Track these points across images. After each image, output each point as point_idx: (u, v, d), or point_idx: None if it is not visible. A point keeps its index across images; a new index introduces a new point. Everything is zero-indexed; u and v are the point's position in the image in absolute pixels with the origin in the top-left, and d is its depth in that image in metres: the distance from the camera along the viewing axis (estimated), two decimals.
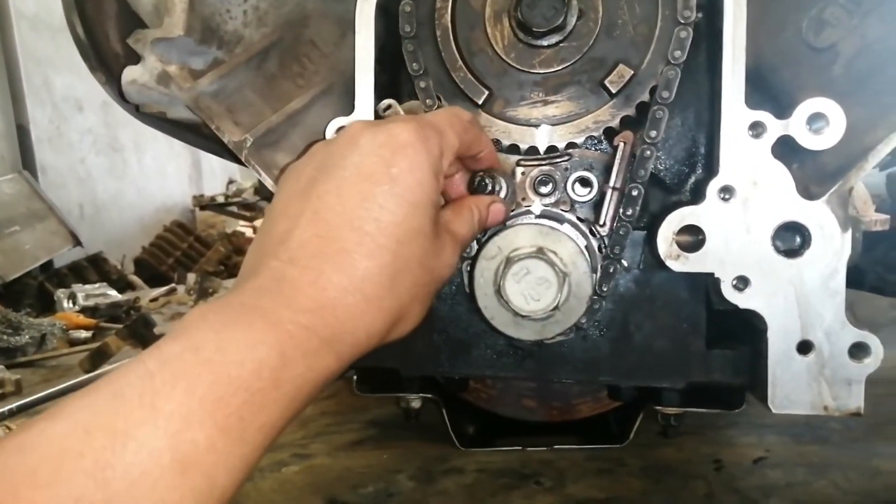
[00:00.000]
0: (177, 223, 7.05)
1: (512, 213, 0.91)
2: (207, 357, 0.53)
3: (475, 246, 0.90)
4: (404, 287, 0.67)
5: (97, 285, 3.61)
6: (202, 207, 7.14)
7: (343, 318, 0.62)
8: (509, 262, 0.80)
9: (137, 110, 1.07)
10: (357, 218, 0.65)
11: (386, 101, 0.91)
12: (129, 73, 0.98)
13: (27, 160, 5.94)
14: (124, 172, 7.27)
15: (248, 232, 6.94)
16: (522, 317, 0.81)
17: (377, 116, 0.90)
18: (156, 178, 7.73)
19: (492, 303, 0.83)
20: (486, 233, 0.91)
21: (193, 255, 6.58)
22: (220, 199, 7.37)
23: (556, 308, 0.79)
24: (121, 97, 1.12)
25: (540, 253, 0.79)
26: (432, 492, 1.12)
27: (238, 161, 1.03)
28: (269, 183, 0.96)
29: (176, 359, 0.52)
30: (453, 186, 0.83)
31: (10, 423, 1.66)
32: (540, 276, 0.78)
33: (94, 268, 5.74)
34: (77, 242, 5.76)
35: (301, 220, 0.66)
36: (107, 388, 0.51)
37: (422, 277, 0.69)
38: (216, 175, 8.82)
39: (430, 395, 1.05)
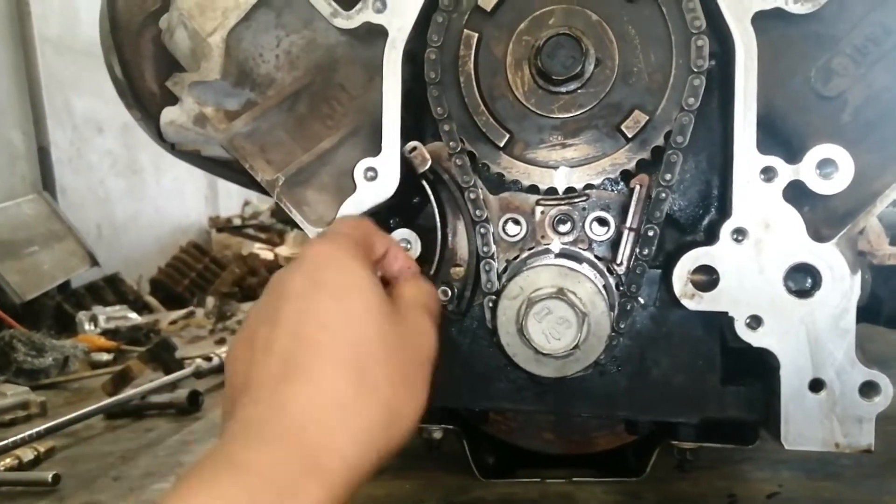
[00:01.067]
0: (193, 244, 7.13)
1: (532, 252, 0.95)
2: None
3: (496, 282, 0.94)
4: (380, 382, 0.63)
5: (117, 307, 3.66)
6: (219, 230, 7.22)
7: (319, 436, 0.57)
8: (531, 302, 0.83)
9: (173, 148, 1.11)
10: (304, 336, 0.63)
11: (411, 144, 0.95)
12: (168, 115, 1.03)
13: (47, 181, 6.03)
14: (143, 193, 7.37)
15: (263, 254, 7.00)
16: (544, 354, 0.84)
17: (403, 158, 0.94)
18: (174, 199, 7.83)
19: (514, 340, 0.87)
20: (506, 269, 0.95)
21: (209, 276, 6.63)
22: (237, 222, 7.44)
23: (576, 347, 0.82)
24: (156, 134, 1.17)
25: (560, 293, 0.82)
26: None
27: (268, 194, 1.07)
28: (299, 220, 0.99)
29: None
30: (388, 265, 0.82)
31: (38, 445, 1.70)
32: (560, 316, 0.82)
33: (111, 288, 5.80)
34: (94, 263, 5.83)
35: (253, 367, 0.64)
36: None
37: (398, 364, 0.66)
38: (232, 197, 8.92)
39: (451, 426, 1.08)
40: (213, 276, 6.64)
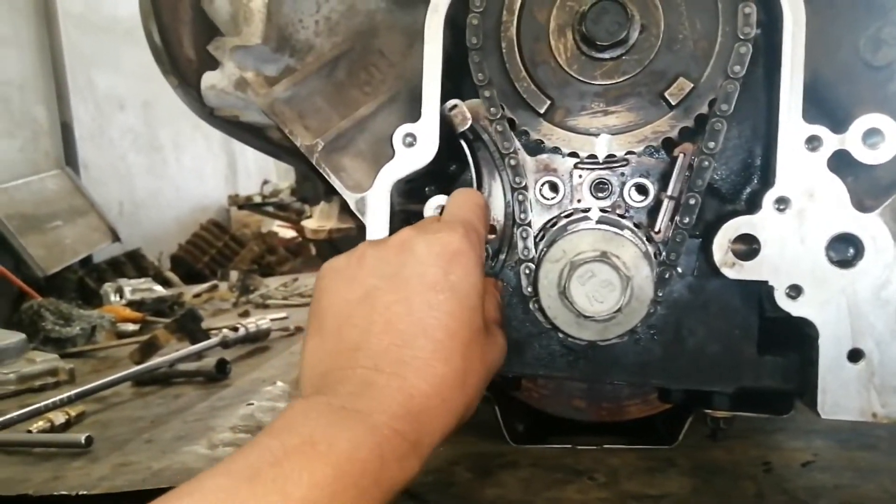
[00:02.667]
0: (213, 222, 7.18)
1: (569, 218, 0.95)
2: (324, 451, 0.58)
3: (532, 248, 0.94)
4: (471, 385, 0.73)
5: (142, 280, 3.71)
6: (240, 207, 7.27)
7: (426, 423, 0.67)
8: (574, 265, 0.83)
9: (212, 114, 1.12)
10: (428, 326, 0.70)
11: (452, 102, 0.96)
12: (209, 79, 1.04)
13: (70, 157, 6.09)
14: (163, 171, 7.43)
15: (282, 232, 7.04)
16: (585, 318, 0.84)
17: (443, 117, 0.94)
18: (193, 177, 7.89)
19: (555, 303, 0.87)
20: (542, 235, 0.95)
21: (228, 254, 6.69)
22: (257, 199, 7.49)
23: (618, 310, 0.82)
24: (193, 100, 1.18)
25: (604, 257, 0.83)
26: (489, 483, 1.16)
27: (304, 165, 1.08)
28: (337, 185, 1.00)
29: (297, 450, 0.58)
30: None
31: (69, 409, 1.73)
32: (604, 279, 0.82)
33: (132, 263, 5.88)
34: (116, 238, 5.91)
35: (374, 329, 0.71)
36: (239, 472, 0.56)
37: (483, 372, 0.75)
38: (251, 176, 8.96)
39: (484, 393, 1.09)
40: (233, 254, 6.70)
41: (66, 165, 5.96)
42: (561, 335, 0.93)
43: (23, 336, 2.38)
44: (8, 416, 1.69)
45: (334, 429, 0.60)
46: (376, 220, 0.94)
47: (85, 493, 1.27)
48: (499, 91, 0.95)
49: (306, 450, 0.58)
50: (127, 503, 1.24)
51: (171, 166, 7.55)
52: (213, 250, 6.67)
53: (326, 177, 1.01)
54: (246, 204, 7.31)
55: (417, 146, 0.93)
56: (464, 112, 0.95)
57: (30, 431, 1.63)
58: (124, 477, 1.33)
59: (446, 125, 0.94)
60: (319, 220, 2.00)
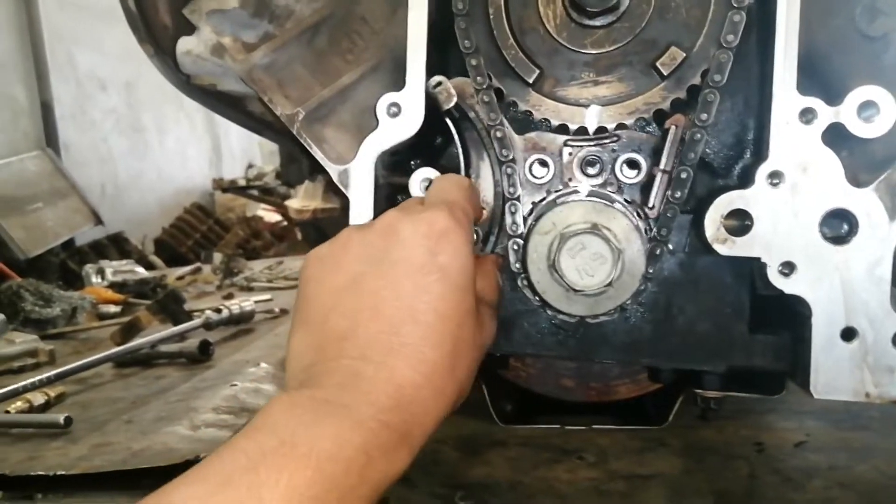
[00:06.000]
0: (196, 205, 7.11)
1: (560, 193, 0.92)
2: (304, 453, 0.55)
3: (521, 224, 0.91)
4: (462, 369, 0.70)
5: (124, 262, 3.65)
6: (224, 190, 7.20)
7: (416, 412, 0.65)
8: (563, 237, 0.81)
9: (188, 81, 1.08)
10: (417, 311, 0.67)
11: (436, 78, 0.92)
12: (185, 44, 1.00)
13: (50, 138, 6.00)
14: (146, 153, 7.33)
15: (267, 216, 6.98)
16: (576, 292, 0.82)
17: (427, 93, 0.90)
18: (177, 160, 7.80)
19: (544, 278, 0.84)
20: (532, 211, 0.92)
21: (212, 238, 6.63)
22: (242, 183, 7.41)
23: (609, 284, 0.80)
24: (168, 68, 1.14)
25: (595, 228, 0.80)
26: (477, 462, 1.15)
27: (286, 140, 1.05)
28: (319, 157, 0.97)
29: (274, 452, 0.55)
30: None
31: (48, 390, 1.69)
32: (595, 252, 0.79)
33: (115, 247, 5.81)
34: (98, 221, 5.84)
35: (361, 317, 0.68)
36: (213, 477, 0.54)
37: (474, 354, 0.73)
38: (236, 159, 8.87)
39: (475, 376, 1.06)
40: (217, 238, 6.64)
41: (46, 146, 5.87)
42: (550, 312, 0.91)
43: (2, 317, 2.34)
44: None
45: (317, 427, 0.58)
46: (360, 194, 0.91)
47: (63, 473, 1.24)
48: (486, 59, 0.92)
49: (285, 451, 0.55)
50: (105, 484, 1.22)
51: (154, 149, 7.46)
52: (197, 234, 6.60)
53: (308, 148, 0.97)
54: (230, 187, 7.24)
55: (402, 116, 0.90)
56: (448, 89, 0.92)
57: (7, 412, 1.59)
58: (103, 457, 1.31)
59: (431, 102, 0.91)
60: (303, 200, 1.96)
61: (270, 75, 0.99)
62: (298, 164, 2.41)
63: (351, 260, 0.73)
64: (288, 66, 1.00)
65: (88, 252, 5.45)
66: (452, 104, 0.92)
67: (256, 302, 2.54)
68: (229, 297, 2.92)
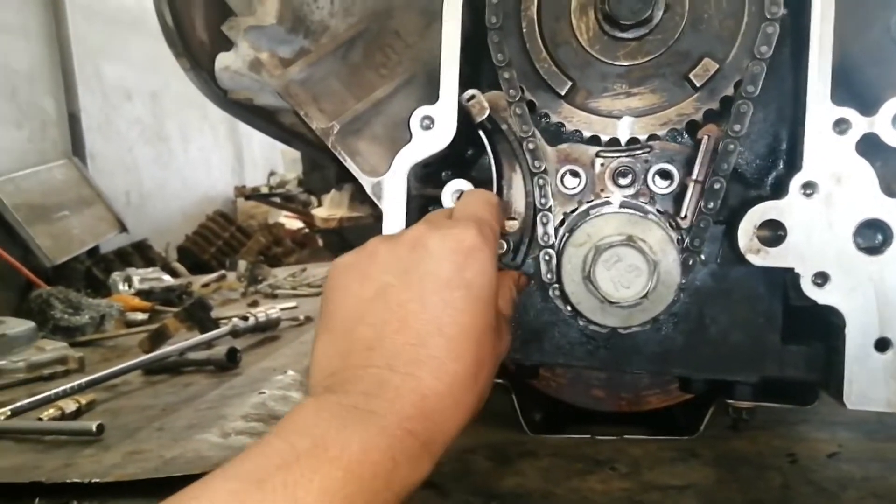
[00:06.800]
0: (219, 213, 7.18)
1: (592, 204, 0.93)
2: (335, 455, 0.57)
3: (552, 235, 0.92)
4: (482, 379, 0.72)
5: (150, 269, 3.70)
6: (247, 198, 7.27)
7: (439, 422, 0.66)
8: (599, 249, 0.81)
9: (225, 96, 1.10)
10: (443, 324, 0.69)
11: (469, 92, 0.93)
12: (223, 60, 1.02)
13: (77, 147, 6.10)
14: (170, 162, 7.43)
15: (289, 223, 7.03)
16: (611, 304, 0.83)
17: (460, 106, 0.92)
18: (200, 168, 7.89)
19: (579, 289, 0.85)
20: (563, 222, 0.93)
21: (234, 245, 6.70)
22: (264, 190, 7.48)
23: (644, 296, 0.81)
24: (205, 83, 1.16)
25: (630, 241, 0.81)
26: (509, 472, 1.15)
27: (316, 151, 1.06)
28: (353, 169, 0.98)
29: (308, 454, 0.57)
30: None
31: (79, 397, 1.72)
32: (630, 264, 0.80)
33: (139, 254, 5.89)
34: (123, 229, 5.92)
35: (387, 328, 0.69)
36: (248, 474, 0.55)
37: (492, 367, 0.75)
38: (258, 167, 8.96)
39: (500, 381, 1.07)
40: (239, 245, 6.70)
41: (73, 156, 5.97)
42: (582, 322, 0.91)
43: (32, 324, 2.38)
44: (19, 404, 1.69)
45: (346, 431, 0.59)
46: (393, 205, 0.93)
47: (98, 480, 1.26)
48: (518, 72, 0.93)
49: (318, 453, 0.57)
50: (139, 491, 1.23)
51: (178, 157, 7.55)
52: (219, 241, 6.67)
53: (342, 160, 0.99)
54: (252, 195, 7.31)
55: (435, 129, 0.91)
56: (482, 102, 0.93)
57: (40, 419, 1.62)
58: (136, 465, 1.33)
59: (464, 115, 0.92)
60: (330, 209, 1.98)
61: (306, 90, 1.01)
62: (321, 172, 2.44)
63: (378, 270, 0.74)
64: (323, 81, 1.02)
65: (113, 259, 5.52)
66: (485, 116, 0.93)
67: (282, 309, 2.56)
68: (254, 304, 2.95)
